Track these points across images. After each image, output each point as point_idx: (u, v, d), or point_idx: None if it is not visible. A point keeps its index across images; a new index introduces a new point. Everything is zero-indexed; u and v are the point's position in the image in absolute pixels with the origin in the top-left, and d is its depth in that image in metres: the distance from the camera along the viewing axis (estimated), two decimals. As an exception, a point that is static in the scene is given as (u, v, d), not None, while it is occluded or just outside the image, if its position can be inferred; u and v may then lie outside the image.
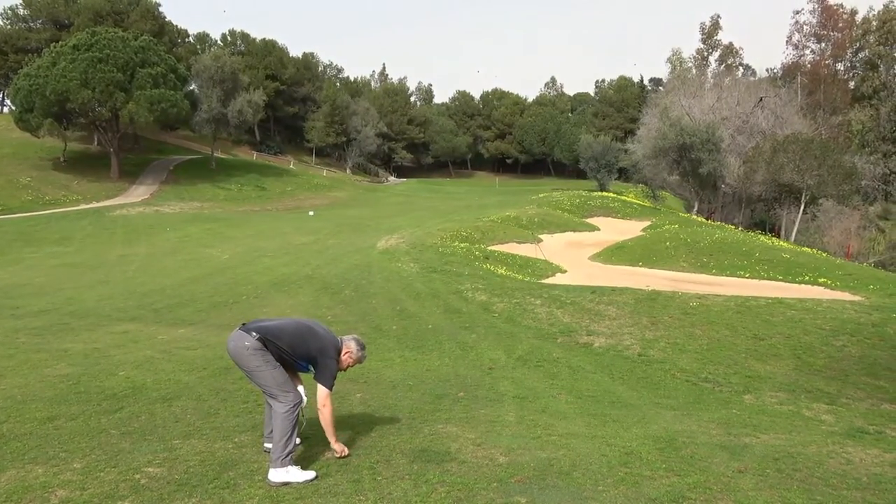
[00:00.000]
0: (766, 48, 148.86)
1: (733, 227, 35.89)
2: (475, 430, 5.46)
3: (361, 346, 4.79)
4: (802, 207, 37.33)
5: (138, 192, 44.57)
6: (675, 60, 71.63)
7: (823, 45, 64.63)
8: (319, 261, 18.60)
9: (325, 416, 4.49)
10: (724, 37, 70.31)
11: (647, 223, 32.76)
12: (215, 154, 57.21)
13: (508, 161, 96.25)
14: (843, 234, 36.58)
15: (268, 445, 4.55)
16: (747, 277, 18.04)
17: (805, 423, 6.66)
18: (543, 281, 16.71)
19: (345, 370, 4.74)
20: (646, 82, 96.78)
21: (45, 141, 47.45)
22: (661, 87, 78.25)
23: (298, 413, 4.35)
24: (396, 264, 17.38)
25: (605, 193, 47.40)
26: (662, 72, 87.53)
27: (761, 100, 47.81)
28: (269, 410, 4.57)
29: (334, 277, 15.66)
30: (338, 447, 4.57)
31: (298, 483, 4.09)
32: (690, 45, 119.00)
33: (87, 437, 4.92)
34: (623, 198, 45.05)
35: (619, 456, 4.83)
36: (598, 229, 30.84)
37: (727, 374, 8.86)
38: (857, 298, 13.89)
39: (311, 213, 38.92)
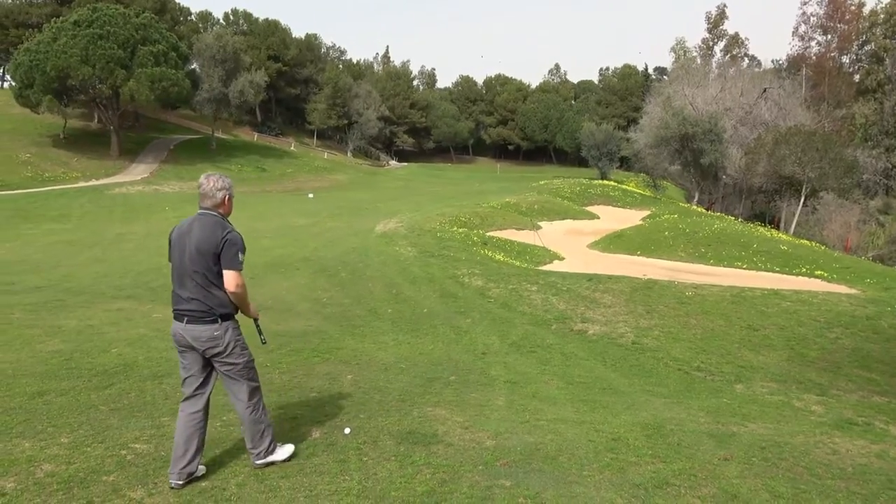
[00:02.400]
0: (772, 39, 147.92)
1: (733, 218, 35.85)
2: (464, 414, 5.47)
3: (221, 177, 3.96)
4: (803, 200, 37.28)
5: (138, 171, 44.44)
6: (680, 50, 71.20)
7: (830, 37, 64.21)
8: (317, 243, 18.57)
9: (241, 296, 3.84)
10: (729, 27, 69.96)
11: (646, 212, 32.71)
12: (216, 134, 57.00)
13: (510, 147, 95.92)
14: (843, 228, 36.51)
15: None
16: (745, 268, 18.04)
17: (794, 414, 6.68)
18: (540, 268, 16.70)
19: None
20: (650, 71, 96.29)
21: (45, 117, 47.24)
22: (665, 77, 77.83)
23: (260, 401, 4.05)
24: (394, 248, 17.35)
25: (605, 182, 47.29)
26: (667, 61, 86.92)
27: (765, 91, 47.60)
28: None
29: (331, 260, 15.64)
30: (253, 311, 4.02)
31: (282, 460, 4.09)
32: (696, 35, 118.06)
33: (76, 412, 4.93)
34: (624, 187, 44.95)
35: (606, 442, 4.85)
36: (598, 217, 30.80)
37: (719, 364, 8.89)
38: (853, 291, 13.89)
39: (310, 195, 38.85)
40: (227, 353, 3.85)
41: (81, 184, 38.54)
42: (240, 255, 3.80)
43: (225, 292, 3.80)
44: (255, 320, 4.12)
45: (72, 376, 6.00)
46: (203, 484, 3.77)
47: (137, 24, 45.45)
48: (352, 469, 4.06)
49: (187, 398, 3.91)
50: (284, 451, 4.15)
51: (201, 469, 3.89)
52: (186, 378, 3.93)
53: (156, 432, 4.56)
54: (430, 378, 6.99)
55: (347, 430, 4.72)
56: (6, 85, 64.55)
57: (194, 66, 54.12)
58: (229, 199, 3.96)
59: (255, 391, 4.02)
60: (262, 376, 6.34)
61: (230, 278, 3.75)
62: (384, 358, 7.93)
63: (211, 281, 3.77)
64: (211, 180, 3.90)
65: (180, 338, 3.85)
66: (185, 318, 3.80)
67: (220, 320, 3.80)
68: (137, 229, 23.14)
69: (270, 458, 4.05)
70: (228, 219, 3.97)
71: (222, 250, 3.75)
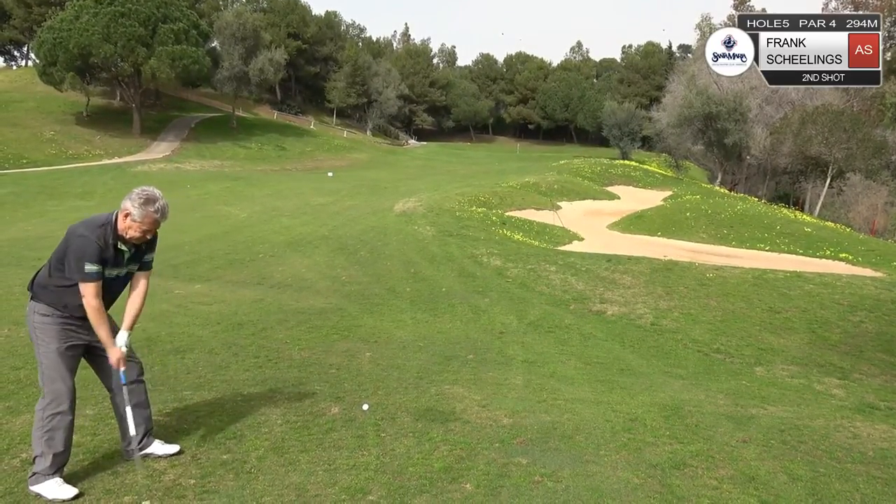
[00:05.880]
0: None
1: (756, 199, 35.36)
2: (481, 392, 5.49)
3: (145, 200, 3.38)
4: (828, 181, 36.61)
5: (160, 149, 44.79)
6: (705, 27, 69.74)
7: (862, 12, 62.43)
8: (336, 222, 18.65)
9: (89, 313, 3.40)
10: (756, 3, 68.20)
11: (668, 193, 32.37)
12: (236, 112, 57.16)
13: (530, 127, 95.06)
14: (870, 210, 35.75)
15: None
16: (767, 250, 17.82)
17: (815, 397, 6.62)
18: (559, 248, 16.63)
19: (138, 241, 3.50)
20: (674, 49, 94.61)
21: (68, 95, 47.67)
22: (689, 54, 76.47)
23: (49, 419, 3.38)
24: (413, 227, 17.37)
25: (626, 162, 46.79)
26: (691, 38, 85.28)
27: (792, 69, 46.48)
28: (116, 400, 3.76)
29: (350, 238, 15.71)
30: (112, 354, 3.53)
31: (47, 498, 3.28)
32: (722, 11, 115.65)
33: (100, 385, 4.96)
34: (645, 167, 44.48)
35: (624, 422, 4.84)
36: (618, 198, 30.54)
37: (739, 346, 8.81)
38: (878, 274, 13.68)
39: (329, 174, 38.92)
40: (30, 332, 3.52)
41: (104, 161, 38.96)
42: (85, 265, 3.33)
43: (54, 279, 3.44)
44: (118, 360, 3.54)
45: (96, 350, 6.11)
46: (224, 457, 3.83)
47: (158, 1, 45.49)
48: (370, 444, 4.10)
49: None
50: (56, 490, 3.29)
51: (156, 446, 3.76)
52: None
53: (178, 405, 4.64)
54: (447, 356, 7.02)
55: (366, 407, 4.77)
56: (30, 63, 65.15)
57: (214, 44, 54.14)
58: (129, 223, 3.42)
59: (46, 403, 3.40)
60: (281, 353, 6.49)
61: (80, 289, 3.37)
62: (402, 336, 7.98)
63: (51, 263, 3.49)
64: (147, 206, 3.41)
65: None
66: None
67: (30, 296, 3.52)
68: (159, 207, 23.37)
69: (36, 488, 3.32)
70: (82, 242, 3.36)
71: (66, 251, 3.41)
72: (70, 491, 3.31)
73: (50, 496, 3.28)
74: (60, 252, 3.43)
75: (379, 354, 6.83)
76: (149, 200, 3.39)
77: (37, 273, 3.56)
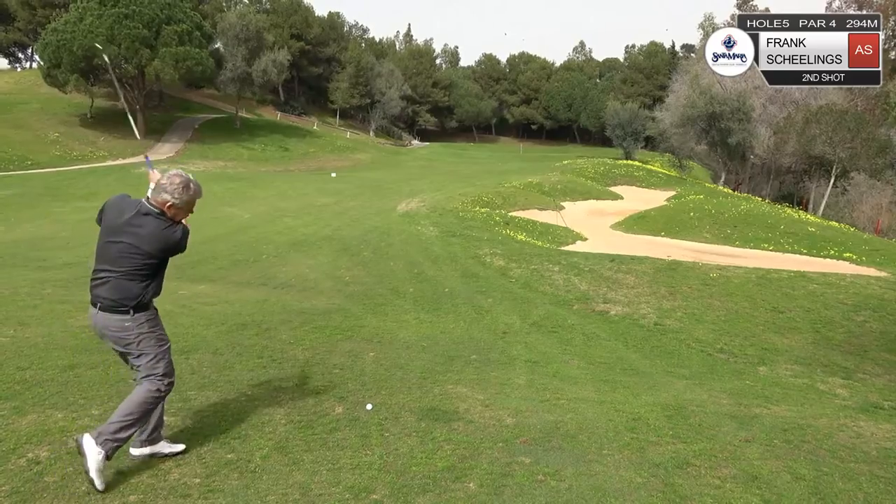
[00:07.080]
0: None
1: (760, 199, 35.29)
2: (485, 392, 5.51)
3: (182, 188, 3.81)
4: (832, 181, 36.51)
5: (163, 150, 44.88)
6: (708, 26, 69.57)
7: (864, 12, 62.26)
8: (340, 222, 18.67)
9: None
10: (759, 2, 68.09)
11: (671, 193, 32.34)
12: (239, 113, 57.24)
13: (533, 127, 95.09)
14: (874, 210, 35.61)
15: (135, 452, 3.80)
16: (771, 250, 17.79)
17: (818, 397, 6.62)
18: (563, 248, 16.64)
19: (182, 221, 3.89)
20: (677, 48, 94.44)
21: (72, 96, 47.79)
22: (692, 54, 76.35)
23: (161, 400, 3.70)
24: (416, 227, 17.39)
25: (630, 162, 46.76)
26: (695, 37, 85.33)
27: (796, 68, 46.36)
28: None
29: (354, 239, 15.73)
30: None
31: (91, 468, 3.33)
32: (725, 10, 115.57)
33: (106, 385, 5.06)
34: (648, 167, 44.43)
35: (627, 421, 4.85)
36: (622, 198, 30.52)
37: (743, 346, 8.81)
38: (882, 274, 13.64)
39: (333, 174, 38.97)
40: (132, 342, 3.84)
41: (108, 163, 39.08)
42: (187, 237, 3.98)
43: (141, 282, 3.84)
44: None
45: (101, 350, 6.11)
46: (228, 456, 3.86)
47: (162, 3, 45.60)
48: (374, 444, 4.12)
49: None
50: (98, 462, 3.38)
51: (162, 445, 3.82)
52: None
53: (183, 405, 4.66)
54: (451, 356, 7.04)
55: (369, 406, 4.78)
56: (35, 65, 65.35)
57: (218, 45, 54.27)
58: (172, 209, 3.79)
59: (158, 387, 3.72)
60: (285, 353, 6.51)
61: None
62: (406, 336, 7.99)
63: (130, 271, 3.86)
64: (184, 190, 3.83)
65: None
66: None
67: (114, 310, 3.76)
68: (163, 208, 23.43)
69: (90, 463, 3.34)
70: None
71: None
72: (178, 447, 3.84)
73: (88, 465, 3.32)
74: (143, 252, 3.74)
75: (382, 354, 6.84)
76: (185, 188, 3.80)
77: (107, 291, 3.79)
